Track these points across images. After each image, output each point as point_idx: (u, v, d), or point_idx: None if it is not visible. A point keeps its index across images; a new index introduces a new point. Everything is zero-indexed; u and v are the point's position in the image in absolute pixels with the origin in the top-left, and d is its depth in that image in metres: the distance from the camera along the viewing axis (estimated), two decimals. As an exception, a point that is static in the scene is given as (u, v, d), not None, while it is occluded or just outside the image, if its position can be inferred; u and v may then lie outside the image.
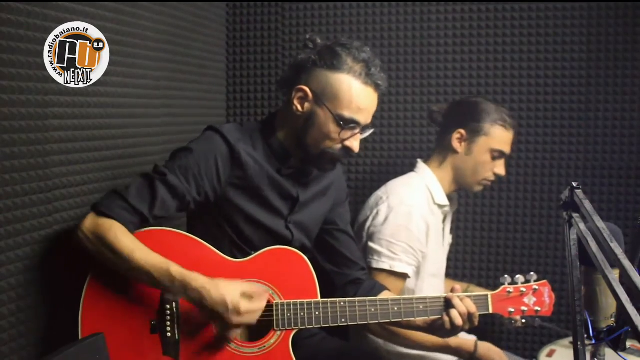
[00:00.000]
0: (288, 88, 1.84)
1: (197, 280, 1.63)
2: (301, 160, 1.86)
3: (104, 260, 1.66)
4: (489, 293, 1.86)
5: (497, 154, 2.25)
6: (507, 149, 2.27)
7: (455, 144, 2.25)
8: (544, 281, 1.90)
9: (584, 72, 2.60)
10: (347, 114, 1.76)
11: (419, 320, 1.84)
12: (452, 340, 2.13)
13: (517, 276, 1.88)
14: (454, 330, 1.80)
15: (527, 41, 2.63)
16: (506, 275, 1.88)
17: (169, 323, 1.71)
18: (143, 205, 1.69)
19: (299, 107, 1.81)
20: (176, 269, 1.63)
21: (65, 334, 1.68)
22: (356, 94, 1.76)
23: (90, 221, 1.66)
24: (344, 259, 2.01)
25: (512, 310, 1.86)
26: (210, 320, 1.69)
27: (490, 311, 1.85)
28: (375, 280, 2.04)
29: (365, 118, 1.80)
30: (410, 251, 2.16)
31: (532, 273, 1.89)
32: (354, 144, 1.81)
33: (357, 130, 1.80)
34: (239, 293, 1.64)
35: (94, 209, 1.68)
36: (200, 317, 1.69)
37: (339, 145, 1.81)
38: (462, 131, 2.24)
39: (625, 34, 2.55)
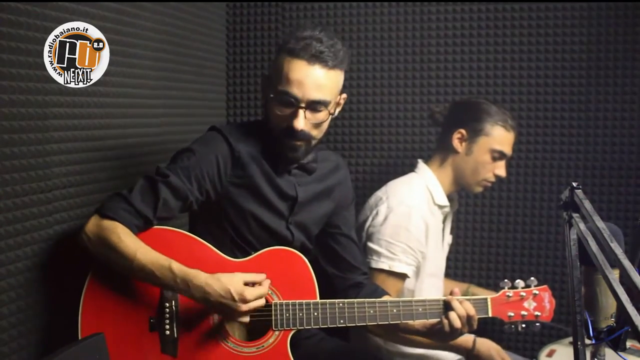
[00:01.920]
0: None
1: (199, 276, 1.64)
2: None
3: (107, 262, 1.67)
4: (489, 296, 1.85)
5: (497, 155, 2.25)
6: (507, 149, 2.27)
7: (456, 143, 2.25)
8: (545, 286, 1.89)
9: (584, 72, 2.59)
10: (280, 87, 1.77)
11: (418, 324, 1.84)
12: None
13: (517, 280, 1.87)
14: (453, 333, 1.79)
15: (527, 41, 2.63)
16: (506, 280, 1.87)
17: (167, 321, 1.71)
18: (147, 208, 1.69)
19: (264, 94, 1.85)
20: (177, 267, 1.64)
21: (65, 334, 1.68)
22: (287, 67, 1.76)
23: (93, 223, 1.67)
24: (346, 264, 2.00)
25: (512, 314, 1.85)
26: (218, 314, 1.69)
27: (490, 315, 1.84)
28: (376, 285, 2.04)
29: (302, 92, 1.74)
30: (409, 251, 2.16)
31: (532, 278, 1.88)
32: (294, 121, 1.75)
33: (296, 106, 1.75)
34: (241, 282, 1.65)
35: (98, 212, 1.68)
36: (206, 312, 1.69)
37: (284, 125, 1.78)
38: (463, 131, 2.24)
39: (625, 34, 2.55)
